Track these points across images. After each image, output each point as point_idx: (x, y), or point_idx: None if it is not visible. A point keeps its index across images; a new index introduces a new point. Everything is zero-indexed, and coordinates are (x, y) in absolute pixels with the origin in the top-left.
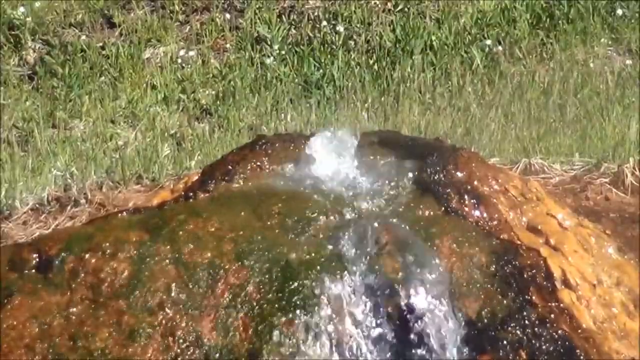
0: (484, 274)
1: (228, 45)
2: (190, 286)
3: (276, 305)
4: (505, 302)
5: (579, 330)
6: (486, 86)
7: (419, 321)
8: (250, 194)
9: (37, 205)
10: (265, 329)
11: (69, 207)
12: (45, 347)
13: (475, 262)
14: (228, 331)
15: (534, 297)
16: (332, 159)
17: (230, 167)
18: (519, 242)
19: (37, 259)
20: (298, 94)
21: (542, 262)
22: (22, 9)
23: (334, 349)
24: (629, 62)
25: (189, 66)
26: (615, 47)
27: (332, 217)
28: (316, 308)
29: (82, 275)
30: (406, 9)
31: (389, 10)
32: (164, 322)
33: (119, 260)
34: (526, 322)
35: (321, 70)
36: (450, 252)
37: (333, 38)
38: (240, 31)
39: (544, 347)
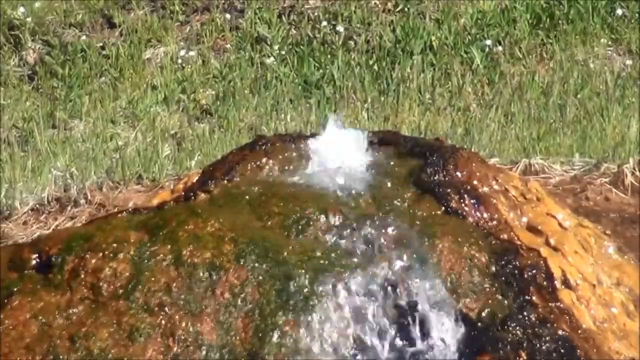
0: (484, 274)
1: (228, 46)
2: (190, 286)
3: (276, 305)
4: (505, 302)
5: (579, 331)
6: (486, 86)
7: (419, 321)
8: (250, 194)
9: (37, 206)
10: (265, 329)
11: (69, 208)
12: (45, 348)
13: (475, 262)
14: (228, 331)
15: (534, 297)
16: (331, 159)
17: (230, 167)
18: (519, 242)
19: (37, 259)
20: (298, 94)
21: (542, 262)
22: (22, 9)
23: (334, 349)
24: (629, 62)
25: (189, 66)
26: (615, 47)
27: (332, 217)
28: (316, 308)
29: (82, 275)
30: (406, 9)
31: (389, 10)
32: (164, 322)
33: (119, 260)
34: (526, 322)
35: (321, 71)
36: (450, 252)
37: (333, 38)
38: (240, 31)
39: (544, 347)
